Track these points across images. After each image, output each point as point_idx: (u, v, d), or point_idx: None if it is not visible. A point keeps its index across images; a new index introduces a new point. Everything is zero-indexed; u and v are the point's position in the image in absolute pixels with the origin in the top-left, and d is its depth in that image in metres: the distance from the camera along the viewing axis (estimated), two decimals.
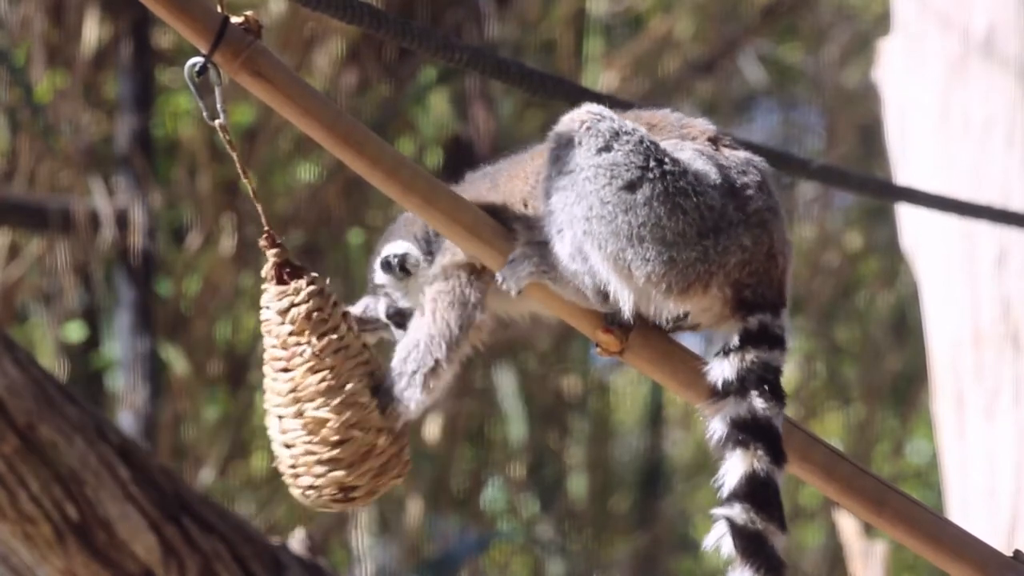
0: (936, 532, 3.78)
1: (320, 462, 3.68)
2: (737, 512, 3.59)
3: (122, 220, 9.68)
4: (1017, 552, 3.81)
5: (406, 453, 3.78)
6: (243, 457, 10.94)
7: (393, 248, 3.93)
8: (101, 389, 10.09)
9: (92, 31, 10.19)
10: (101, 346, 10.17)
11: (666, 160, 3.66)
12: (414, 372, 3.77)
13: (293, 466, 3.71)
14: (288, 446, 3.71)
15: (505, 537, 12.16)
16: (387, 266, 3.92)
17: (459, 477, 11.97)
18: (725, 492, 3.61)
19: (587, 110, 3.73)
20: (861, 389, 13.05)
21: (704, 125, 3.82)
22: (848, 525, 7.77)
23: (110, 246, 9.72)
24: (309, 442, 3.68)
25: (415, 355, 3.78)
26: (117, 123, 9.81)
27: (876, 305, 13.16)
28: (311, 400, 3.68)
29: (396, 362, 3.79)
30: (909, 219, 7.31)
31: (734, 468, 3.61)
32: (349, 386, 3.69)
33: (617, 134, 3.68)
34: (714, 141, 3.78)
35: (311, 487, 3.71)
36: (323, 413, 3.67)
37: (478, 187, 3.88)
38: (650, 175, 3.64)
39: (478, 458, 12.08)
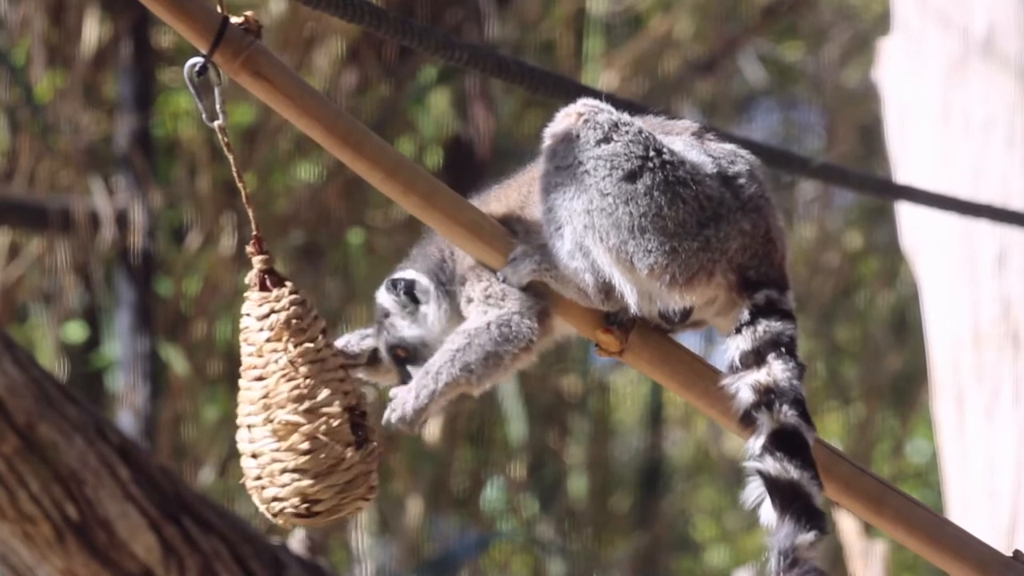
0: (936, 532, 3.78)
1: (286, 470, 3.66)
2: (770, 463, 3.56)
3: (122, 220, 9.68)
4: (1017, 552, 3.81)
5: (374, 477, 3.74)
6: None
7: (402, 274, 3.91)
8: (101, 389, 10.09)
9: (92, 31, 10.19)
10: (101, 346, 10.17)
11: (664, 150, 3.67)
12: (505, 352, 3.75)
13: (259, 477, 3.68)
14: (255, 456, 3.68)
15: (505, 537, 12.17)
16: (392, 286, 3.89)
17: (459, 477, 11.97)
18: (756, 450, 3.58)
19: (583, 103, 3.73)
20: (861, 389, 13.05)
21: (686, 123, 3.82)
22: (848, 525, 7.78)
23: (110, 246, 9.72)
24: (277, 449, 3.66)
25: (506, 333, 3.75)
26: (117, 123, 9.82)
27: (876, 305, 13.16)
28: (282, 407, 3.66)
29: (480, 340, 3.75)
30: (909, 219, 7.31)
31: (762, 430, 3.59)
32: (321, 395, 3.67)
33: (616, 125, 3.68)
34: (698, 136, 3.79)
35: (275, 499, 3.68)
36: (292, 417, 3.65)
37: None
38: (650, 164, 3.65)
39: (478, 458, 12.09)
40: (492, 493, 12.09)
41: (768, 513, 3.57)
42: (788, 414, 3.59)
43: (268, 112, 10.04)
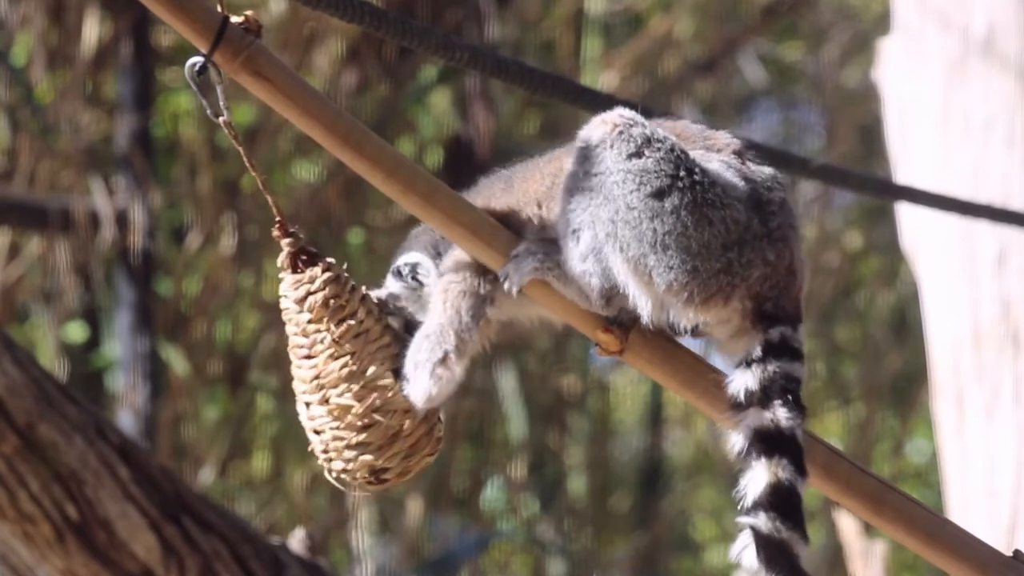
0: (936, 532, 3.78)
1: (349, 447, 3.70)
2: (763, 521, 3.58)
3: (122, 220, 9.68)
4: (1017, 552, 3.81)
5: (438, 430, 3.79)
6: (243, 457, 10.95)
7: (405, 258, 3.93)
8: (101, 389, 10.09)
9: (92, 31, 10.19)
10: (101, 346, 10.17)
11: (696, 170, 3.66)
12: (425, 361, 3.76)
13: (325, 451, 3.74)
14: (318, 432, 3.74)
15: (505, 537, 12.17)
16: (398, 273, 3.92)
17: (459, 477, 11.97)
18: (749, 501, 3.61)
19: (619, 114, 3.72)
20: (861, 389, 13.05)
21: (728, 138, 3.81)
22: (848, 525, 7.78)
23: (110, 246, 9.72)
24: (336, 428, 3.71)
25: (426, 344, 3.77)
26: (117, 123, 9.82)
27: (876, 305, 13.16)
28: (334, 387, 3.70)
29: (409, 351, 3.79)
30: (909, 219, 7.31)
31: (757, 478, 3.61)
32: (371, 371, 3.70)
33: (649, 141, 3.67)
34: (739, 155, 3.78)
35: (344, 471, 3.74)
36: (346, 400, 3.69)
37: (492, 189, 3.87)
38: (680, 184, 3.64)
39: (478, 458, 12.09)
40: (492, 493, 12.09)
41: (751, 560, 3.60)
42: (786, 467, 3.61)
43: (268, 112, 10.04)
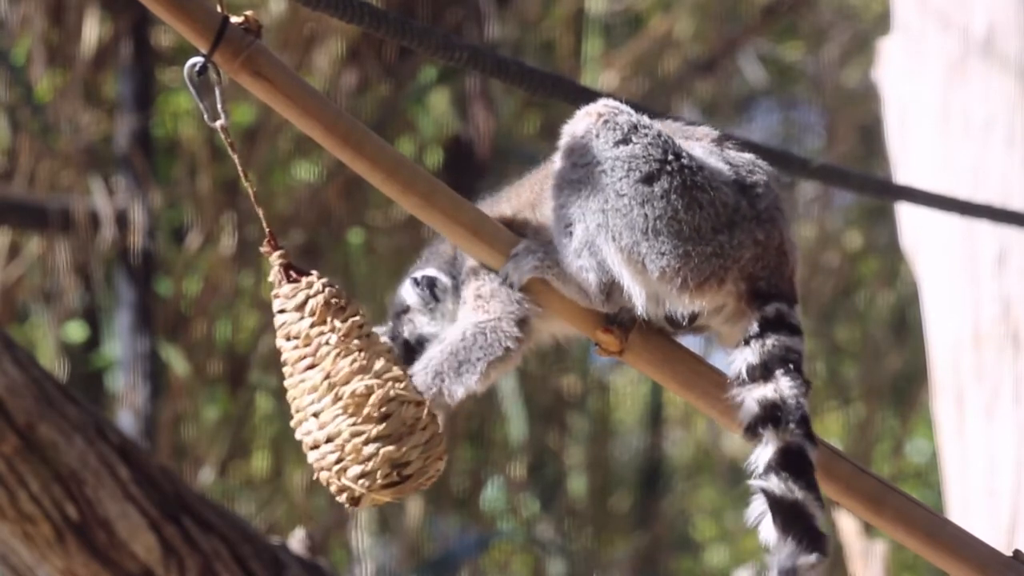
0: (936, 532, 3.78)
1: (368, 440, 3.66)
2: (774, 483, 3.57)
3: (122, 220, 9.68)
4: (1017, 552, 3.81)
5: (442, 436, 3.77)
6: (243, 457, 10.94)
7: (424, 271, 3.93)
8: (101, 389, 10.09)
9: (92, 31, 10.19)
10: (101, 346, 10.17)
11: (683, 154, 3.68)
12: (477, 359, 3.75)
13: (339, 460, 3.67)
14: (331, 439, 3.68)
15: (505, 537, 12.17)
16: (416, 283, 3.91)
17: (459, 477, 11.97)
18: (760, 468, 3.59)
19: (604, 104, 3.73)
20: (861, 389, 13.05)
21: (706, 130, 3.83)
22: (848, 525, 7.78)
23: (110, 246, 9.72)
24: (354, 423, 3.66)
25: (481, 340, 3.75)
26: (117, 123, 9.82)
27: (876, 305, 13.17)
28: (347, 382, 3.67)
29: (449, 348, 3.76)
30: (909, 219, 7.31)
31: (767, 446, 3.60)
32: (379, 364, 3.69)
33: (635, 127, 3.68)
34: (718, 143, 3.79)
35: (362, 475, 3.67)
36: (362, 386, 3.66)
37: (483, 203, 3.87)
38: (668, 168, 3.65)
39: (478, 458, 12.09)
40: (492, 493, 12.09)
41: (768, 530, 3.58)
42: (795, 433, 3.60)
43: (268, 112, 10.04)
